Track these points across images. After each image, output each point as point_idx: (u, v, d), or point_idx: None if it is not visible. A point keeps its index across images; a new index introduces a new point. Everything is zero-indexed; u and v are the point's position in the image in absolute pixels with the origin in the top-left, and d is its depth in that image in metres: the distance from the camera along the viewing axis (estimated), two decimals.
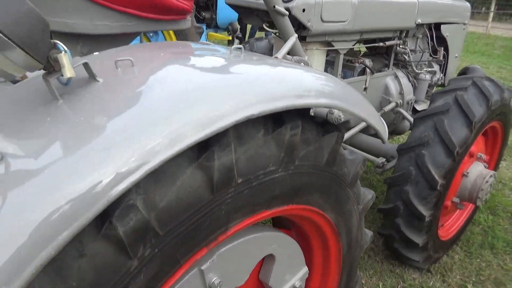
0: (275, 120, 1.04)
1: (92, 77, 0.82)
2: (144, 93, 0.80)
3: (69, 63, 0.73)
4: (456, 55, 3.81)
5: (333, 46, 2.57)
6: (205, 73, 0.92)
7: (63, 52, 0.73)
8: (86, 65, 0.80)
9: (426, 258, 2.72)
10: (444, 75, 3.75)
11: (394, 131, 3.59)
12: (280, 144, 1.02)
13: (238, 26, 6.99)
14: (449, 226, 2.97)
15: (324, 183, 1.25)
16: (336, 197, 1.34)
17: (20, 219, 0.62)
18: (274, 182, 1.05)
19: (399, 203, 2.46)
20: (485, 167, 2.77)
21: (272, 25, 2.36)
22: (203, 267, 1.07)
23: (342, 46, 2.63)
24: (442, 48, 3.49)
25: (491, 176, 2.68)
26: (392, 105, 3.17)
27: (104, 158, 0.67)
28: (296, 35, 1.94)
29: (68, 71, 0.73)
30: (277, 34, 2.56)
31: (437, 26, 3.44)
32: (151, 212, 0.80)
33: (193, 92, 0.81)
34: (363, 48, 3.38)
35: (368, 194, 1.59)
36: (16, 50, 0.65)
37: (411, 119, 3.06)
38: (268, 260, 1.38)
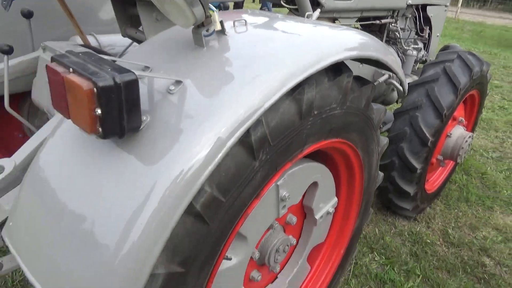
0: (332, 70, 1.39)
1: (222, 32, 1.13)
2: (268, 41, 1.12)
3: (217, 20, 1.04)
4: (438, 34, 4.25)
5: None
6: (301, 30, 1.25)
7: (215, 10, 1.03)
8: (221, 22, 1.11)
9: (414, 207, 3.18)
10: (427, 52, 4.18)
11: (383, 102, 4.01)
12: (340, 88, 1.37)
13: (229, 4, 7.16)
14: (433, 181, 3.45)
15: (360, 124, 1.62)
16: (366, 137, 1.71)
17: (217, 116, 0.96)
18: (333, 117, 1.40)
19: (395, 158, 2.89)
20: (464, 130, 3.24)
21: (288, 1, 2.67)
22: (278, 183, 1.42)
23: (345, 23, 2.98)
24: (428, 27, 3.91)
25: (469, 137, 3.15)
26: (385, 76, 3.57)
27: (260, 80, 1.01)
28: (319, 9, 2.27)
29: (218, 25, 1.04)
30: (291, 9, 2.87)
31: (423, 7, 3.84)
32: (267, 128, 1.13)
33: (302, 41, 1.14)
34: (357, 25, 3.74)
35: (383, 140, 1.97)
36: (199, 6, 0.94)
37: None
38: (311, 188, 1.74)
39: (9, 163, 1.32)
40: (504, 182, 4.16)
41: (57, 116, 1.43)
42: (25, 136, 2.66)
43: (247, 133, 1.08)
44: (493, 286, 2.76)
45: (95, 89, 0.82)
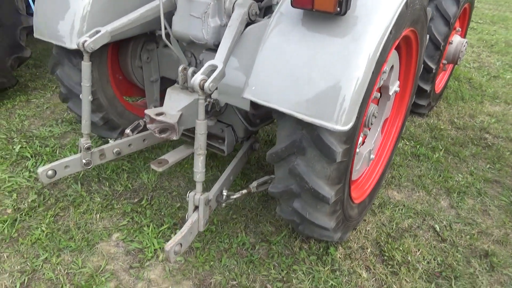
0: None
1: None
2: None
3: None
4: None
5: None
6: None
7: None
8: None
9: (428, 104, 4.02)
10: None
11: None
12: None
13: None
14: (438, 83, 4.29)
15: (423, 18, 2.34)
16: (423, 29, 2.44)
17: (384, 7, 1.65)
18: (416, 9, 2.10)
19: None
20: (460, 37, 4.04)
21: None
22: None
23: None
24: None
25: (466, 42, 3.97)
26: None
27: None
28: None
29: None
30: None
31: None
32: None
33: None
34: None
35: (427, 36, 2.71)
36: None
37: None
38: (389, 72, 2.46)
39: (219, 62, 1.94)
40: (487, 83, 5.09)
41: (232, 28, 2.06)
42: (123, 77, 3.20)
43: None
44: (494, 149, 3.69)
45: None
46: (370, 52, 1.63)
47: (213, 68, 1.94)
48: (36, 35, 2.63)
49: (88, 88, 2.42)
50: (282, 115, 1.90)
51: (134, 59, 3.10)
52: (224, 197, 2.31)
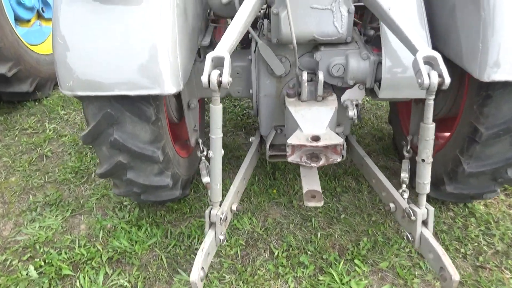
0: None
1: None
2: None
3: None
4: None
5: None
6: None
7: None
8: None
9: None
10: None
11: None
12: None
13: None
14: None
15: None
16: None
17: None
18: None
19: None
20: None
21: None
22: None
23: None
24: None
25: None
26: None
27: None
28: None
29: None
30: None
31: None
32: None
33: None
34: None
35: None
36: None
37: None
38: None
39: (430, 51, 1.57)
40: None
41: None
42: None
43: None
44: None
45: None
46: None
47: (429, 60, 1.57)
48: (78, 92, 1.79)
49: (220, 140, 1.81)
50: (508, 90, 1.84)
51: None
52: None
